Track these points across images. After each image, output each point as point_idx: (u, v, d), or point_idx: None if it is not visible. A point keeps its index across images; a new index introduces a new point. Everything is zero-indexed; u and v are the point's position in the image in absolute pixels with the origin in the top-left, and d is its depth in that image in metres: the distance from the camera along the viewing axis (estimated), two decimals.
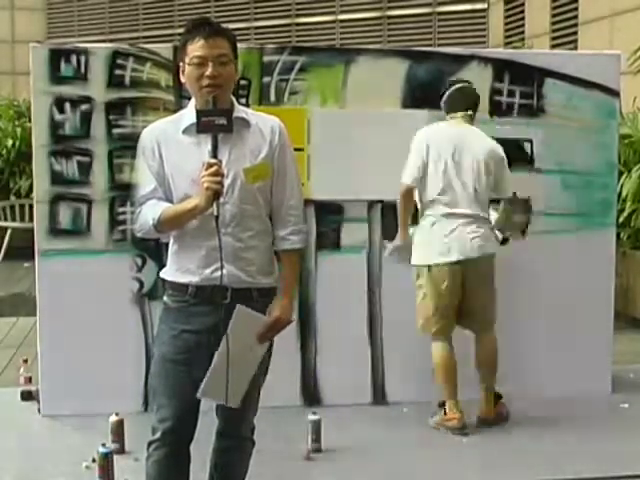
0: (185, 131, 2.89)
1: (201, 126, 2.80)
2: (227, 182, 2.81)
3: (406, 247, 4.60)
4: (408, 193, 4.55)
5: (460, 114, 4.61)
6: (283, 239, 3.00)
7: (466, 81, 4.74)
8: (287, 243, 3.00)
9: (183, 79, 2.90)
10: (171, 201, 2.89)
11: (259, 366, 2.95)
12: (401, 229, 4.60)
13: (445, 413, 4.57)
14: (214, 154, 2.78)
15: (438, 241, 4.51)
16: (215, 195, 2.74)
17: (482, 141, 4.58)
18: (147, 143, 2.93)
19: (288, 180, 2.98)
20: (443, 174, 4.50)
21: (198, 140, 2.86)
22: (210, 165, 2.75)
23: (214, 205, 2.75)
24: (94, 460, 3.94)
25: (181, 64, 2.89)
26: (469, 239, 4.50)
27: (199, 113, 2.81)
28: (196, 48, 2.81)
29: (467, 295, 4.59)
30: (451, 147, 4.51)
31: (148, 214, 2.89)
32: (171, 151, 2.90)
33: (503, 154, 4.60)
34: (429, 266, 4.53)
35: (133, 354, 4.71)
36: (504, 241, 4.74)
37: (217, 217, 2.77)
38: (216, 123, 2.78)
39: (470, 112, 4.62)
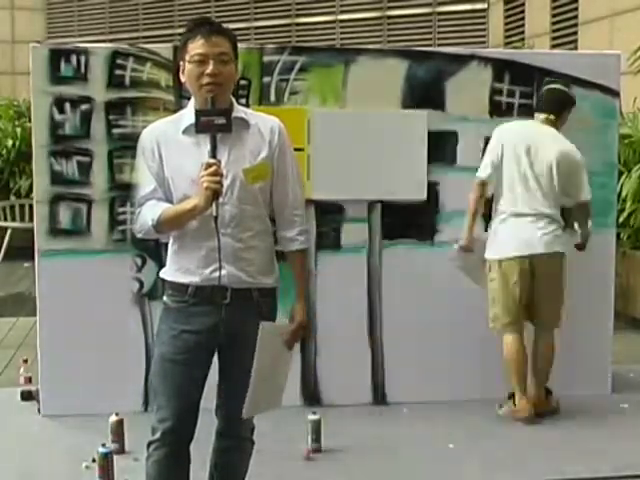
0: (185, 131, 2.89)
1: (200, 126, 2.80)
2: (226, 183, 2.81)
3: (470, 249, 4.70)
4: (481, 187, 4.67)
5: (543, 116, 4.71)
6: (291, 240, 3.01)
7: (562, 83, 4.81)
8: (296, 244, 3.01)
9: (183, 78, 2.90)
10: (171, 201, 2.89)
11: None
12: (467, 228, 4.70)
13: (515, 404, 4.71)
14: (213, 154, 2.78)
15: (509, 236, 4.63)
16: (214, 195, 2.74)
17: (557, 143, 4.65)
18: (147, 144, 2.93)
19: (288, 180, 2.98)
20: (517, 172, 4.61)
21: (198, 140, 2.85)
22: (209, 165, 2.75)
23: (213, 205, 2.76)
24: (94, 460, 3.94)
25: (181, 63, 2.89)
26: (538, 236, 4.61)
27: (198, 113, 2.81)
28: (197, 46, 2.81)
29: (534, 293, 4.70)
30: (524, 145, 4.61)
31: (148, 215, 2.88)
32: (171, 152, 2.90)
33: (579, 158, 4.66)
34: (500, 261, 4.65)
35: (133, 354, 4.71)
36: (582, 246, 4.81)
37: (216, 217, 2.78)
38: (215, 123, 2.78)
39: (552, 116, 4.69)
